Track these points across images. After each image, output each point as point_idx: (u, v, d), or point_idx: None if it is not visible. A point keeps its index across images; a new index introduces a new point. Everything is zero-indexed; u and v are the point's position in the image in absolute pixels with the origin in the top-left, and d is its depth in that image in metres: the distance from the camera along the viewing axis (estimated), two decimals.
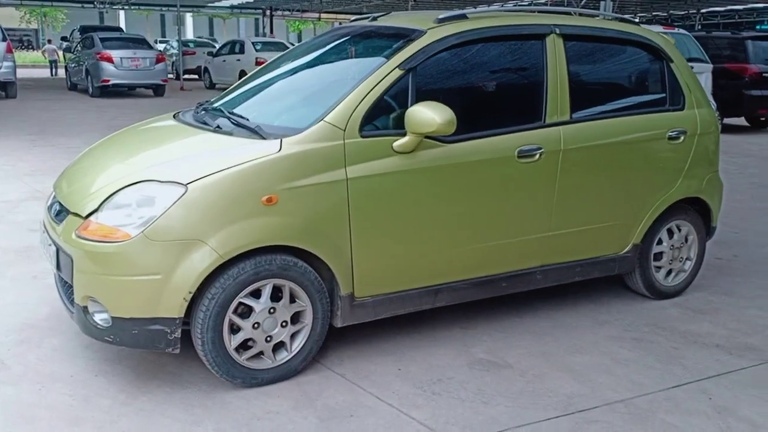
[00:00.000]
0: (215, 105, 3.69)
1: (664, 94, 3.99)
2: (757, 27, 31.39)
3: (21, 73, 23.97)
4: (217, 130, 3.20)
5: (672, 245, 4.12)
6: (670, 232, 4.11)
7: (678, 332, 3.72)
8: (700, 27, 31.50)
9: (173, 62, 25.52)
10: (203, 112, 3.59)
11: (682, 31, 11.82)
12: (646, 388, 3.09)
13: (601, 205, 3.75)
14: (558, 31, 3.57)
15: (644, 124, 3.85)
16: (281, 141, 2.93)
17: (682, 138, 3.95)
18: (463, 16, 3.44)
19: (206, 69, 22.18)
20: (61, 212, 3.10)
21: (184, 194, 2.75)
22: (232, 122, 3.24)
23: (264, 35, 33.63)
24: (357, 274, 3.10)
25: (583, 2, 23.59)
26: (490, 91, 3.59)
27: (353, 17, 4.16)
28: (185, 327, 2.88)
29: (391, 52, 3.22)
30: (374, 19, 3.87)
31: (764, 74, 11.77)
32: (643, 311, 3.99)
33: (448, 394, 2.99)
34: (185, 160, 2.95)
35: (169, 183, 2.80)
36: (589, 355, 3.41)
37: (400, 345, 3.44)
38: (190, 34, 53.81)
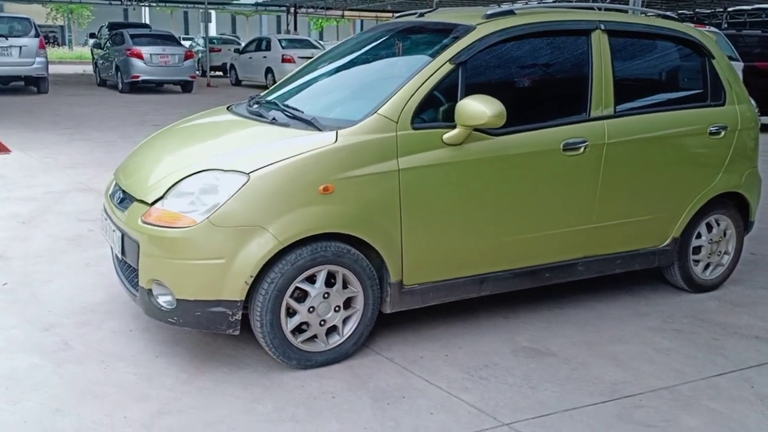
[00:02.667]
0: (268, 98, 3.80)
1: (705, 90, 4.05)
2: None
3: (49, 69, 24.41)
4: (274, 122, 3.32)
5: (711, 239, 4.17)
6: (709, 227, 4.17)
7: (717, 324, 3.78)
8: (726, 25, 31.20)
9: (199, 59, 25.77)
10: (257, 105, 3.71)
11: (712, 29, 11.78)
12: (689, 377, 3.16)
13: (642, 199, 3.81)
14: (603, 27, 3.64)
15: (686, 119, 3.91)
16: (337, 132, 3.04)
17: (722, 133, 4.01)
18: (511, 12, 3.53)
19: (232, 66, 22.42)
20: (125, 200, 3.23)
21: (246, 183, 2.87)
22: (287, 115, 3.36)
23: (288, 32, 33.84)
24: (406, 262, 3.20)
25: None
26: (537, 85, 3.68)
27: (397, 14, 4.25)
28: (243, 310, 3.00)
29: (441, 47, 3.32)
30: (421, 15, 3.96)
31: None
32: (681, 304, 4.05)
33: (495, 379, 3.08)
34: (246, 151, 3.06)
35: (232, 172, 2.92)
36: (631, 344, 3.49)
37: (445, 332, 3.54)
38: (213, 32, 54.17)
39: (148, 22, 42.54)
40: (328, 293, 3.06)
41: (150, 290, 2.98)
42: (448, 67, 3.24)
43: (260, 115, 3.47)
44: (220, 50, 26.11)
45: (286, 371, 3.08)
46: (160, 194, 2.99)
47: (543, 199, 3.50)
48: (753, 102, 4.36)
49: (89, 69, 24.51)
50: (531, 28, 3.50)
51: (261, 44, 20.95)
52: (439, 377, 3.08)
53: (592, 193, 3.62)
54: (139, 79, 17.34)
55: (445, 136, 3.18)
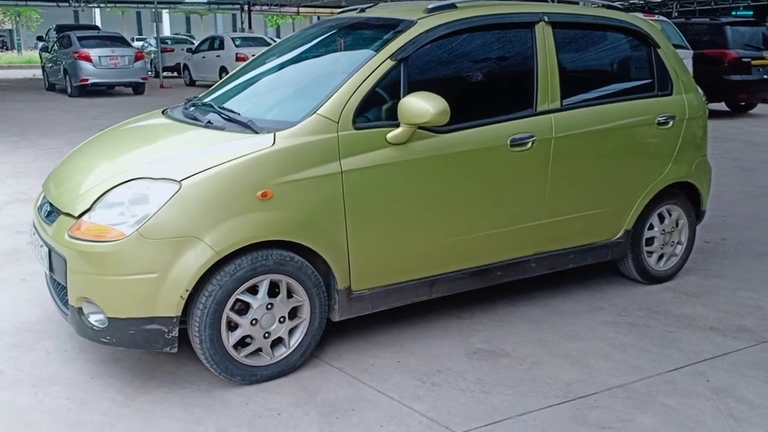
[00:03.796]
0: (205, 100, 3.65)
1: (652, 80, 4.01)
2: (733, 13, 31.68)
3: None
4: (209, 125, 3.16)
5: (663, 230, 4.14)
6: (661, 217, 4.14)
7: (672, 316, 3.74)
8: (677, 14, 31.70)
9: (152, 60, 25.29)
10: (193, 108, 3.56)
11: (662, 18, 11.91)
12: (644, 372, 3.11)
13: (593, 192, 3.76)
14: (547, 19, 3.57)
15: (633, 110, 3.87)
16: (274, 135, 2.91)
17: (670, 123, 3.97)
18: (453, 6, 3.43)
19: (185, 66, 22.00)
20: (51, 213, 3.05)
21: (178, 191, 2.72)
22: (223, 117, 3.21)
23: (242, 31, 33.37)
24: (354, 267, 3.09)
25: None
26: (482, 80, 3.58)
27: (339, 10, 4.12)
28: (182, 326, 2.86)
29: (382, 43, 3.21)
30: (363, 10, 3.84)
31: (743, 59, 11.88)
32: (636, 296, 4.01)
33: (448, 385, 2.99)
34: (178, 157, 2.91)
35: (162, 180, 2.76)
36: (585, 341, 3.43)
37: (397, 337, 3.43)
38: (167, 31, 53.23)
39: (99, 23, 41.54)
40: (271, 304, 2.92)
41: (80, 309, 2.81)
42: (390, 63, 3.13)
43: (195, 119, 3.32)
44: (173, 50, 25.64)
45: (229, 388, 2.94)
46: (87, 206, 2.82)
47: (492, 196, 3.42)
48: (700, 90, 4.34)
49: (39, 73, 23.83)
50: (473, 22, 3.41)
51: (214, 43, 20.60)
52: (391, 386, 2.98)
53: (541, 189, 3.55)
54: (89, 82, 16.90)
55: (388, 136, 3.07)
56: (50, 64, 19.18)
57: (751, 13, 29.21)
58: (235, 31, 41.41)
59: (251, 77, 3.78)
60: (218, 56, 19.67)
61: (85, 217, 2.80)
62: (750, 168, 7.96)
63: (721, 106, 13.10)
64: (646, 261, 4.12)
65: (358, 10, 3.87)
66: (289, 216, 2.89)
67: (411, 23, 3.29)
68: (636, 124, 3.87)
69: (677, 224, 4.20)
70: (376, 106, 3.16)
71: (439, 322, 3.61)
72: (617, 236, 3.93)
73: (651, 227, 4.10)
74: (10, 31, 55.02)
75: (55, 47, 18.85)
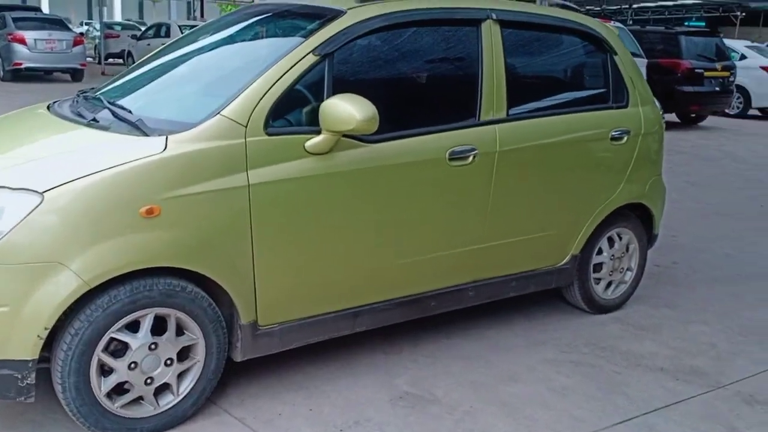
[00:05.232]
0: (97, 93, 3.13)
1: (606, 90, 3.66)
2: (686, 23, 32.18)
3: None
4: (92, 124, 2.66)
5: (612, 255, 3.80)
6: (611, 241, 3.79)
7: (619, 353, 3.39)
8: (631, 22, 32.03)
9: (95, 45, 24.21)
10: (84, 101, 3.04)
11: (618, 24, 11.70)
12: (588, 426, 2.74)
13: (539, 213, 3.38)
14: (495, 17, 3.17)
15: (586, 123, 3.51)
16: (167, 139, 2.43)
17: (625, 138, 3.63)
18: None
19: (129, 53, 21.08)
20: None
21: (39, 205, 2.22)
22: (112, 114, 2.71)
23: (194, 19, 32.37)
24: (261, 299, 2.64)
25: None
26: (418, 83, 3.16)
27: None
28: (47, 364, 2.36)
29: (305, 35, 2.76)
30: None
31: (696, 70, 11.78)
32: (581, 328, 3.66)
33: None
34: (45, 162, 2.40)
35: (21, 191, 2.25)
36: (524, 384, 3.04)
37: (313, 377, 2.99)
38: (118, 17, 51.55)
39: (47, 5, 39.77)
40: (156, 343, 2.44)
41: None
42: (312, 59, 2.68)
43: (80, 115, 2.80)
44: (118, 36, 24.52)
45: None
46: None
47: (426, 217, 3.00)
48: (657, 103, 4.01)
49: None
50: (411, 15, 2.98)
51: (160, 30, 19.76)
52: None
53: (482, 209, 3.15)
54: (23, 66, 15.98)
55: (307, 144, 2.63)
56: None
57: (704, 24, 29.70)
58: (189, 18, 40.22)
59: (157, 67, 3.27)
60: (164, 44, 18.85)
61: None
62: (701, 183, 7.76)
63: (672, 117, 13.02)
64: (594, 289, 3.77)
65: None
66: (181, 238, 2.41)
67: (340, 13, 2.85)
68: (588, 138, 3.51)
69: (628, 249, 3.87)
70: (295, 109, 2.71)
71: (364, 358, 3.18)
72: (563, 262, 3.57)
73: (600, 252, 3.75)
74: None
75: None
